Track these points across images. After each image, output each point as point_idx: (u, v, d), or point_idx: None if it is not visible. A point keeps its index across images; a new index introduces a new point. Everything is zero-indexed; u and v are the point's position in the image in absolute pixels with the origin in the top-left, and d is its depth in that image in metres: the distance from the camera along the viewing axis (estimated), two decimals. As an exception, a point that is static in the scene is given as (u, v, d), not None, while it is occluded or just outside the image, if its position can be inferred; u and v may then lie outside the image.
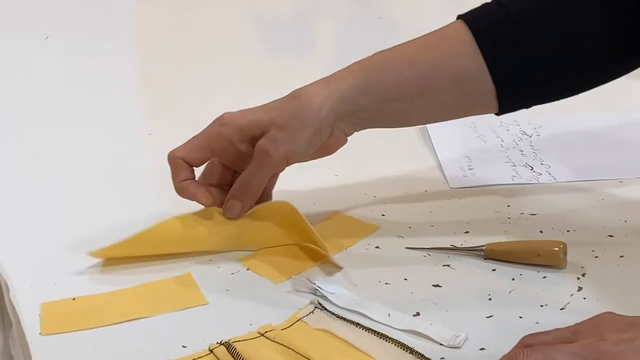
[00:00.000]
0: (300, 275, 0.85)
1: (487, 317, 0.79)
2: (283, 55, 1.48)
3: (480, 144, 1.11)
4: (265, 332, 0.77)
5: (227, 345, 0.75)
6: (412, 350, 0.75)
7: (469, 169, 1.05)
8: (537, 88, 0.90)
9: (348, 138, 0.91)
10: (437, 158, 1.08)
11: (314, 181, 1.02)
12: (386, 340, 0.76)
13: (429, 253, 0.89)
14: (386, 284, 0.85)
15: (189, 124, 1.19)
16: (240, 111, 0.90)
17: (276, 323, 0.79)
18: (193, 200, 0.90)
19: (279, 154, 0.87)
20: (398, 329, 0.78)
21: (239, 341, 0.76)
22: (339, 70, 0.90)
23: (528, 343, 0.70)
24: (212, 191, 0.91)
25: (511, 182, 1.03)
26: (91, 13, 1.60)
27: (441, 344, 0.76)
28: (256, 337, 0.77)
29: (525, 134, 1.13)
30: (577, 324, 0.71)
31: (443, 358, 0.74)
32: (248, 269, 0.88)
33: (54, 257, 0.90)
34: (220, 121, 0.90)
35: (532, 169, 1.05)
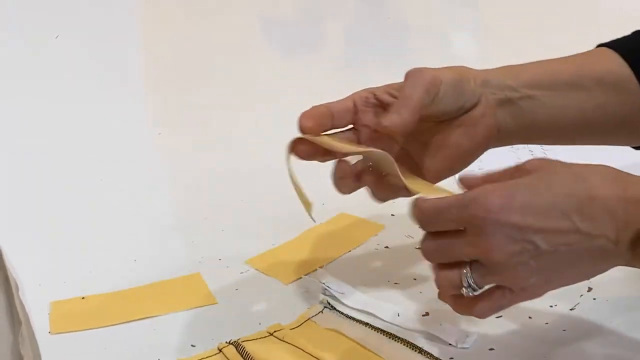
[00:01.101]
0: (309, 275, 0.85)
1: (497, 317, 0.78)
2: (292, 56, 1.48)
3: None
4: (274, 331, 0.77)
5: (236, 345, 0.75)
6: (421, 350, 0.75)
7: (479, 169, 1.05)
8: None
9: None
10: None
11: (324, 180, 1.02)
12: (395, 340, 0.76)
13: (439, 253, 0.88)
14: (395, 283, 0.85)
15: (198, 123, 1.20)
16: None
17: (285, 322, 0.79)
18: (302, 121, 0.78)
19: (431, 71, 0.78)
20: (407, 329, 0.78)
21: (248, 340, 0.76)
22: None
23: (417, 214, 0.70)
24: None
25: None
26: (101, 12, 1.60)
27: (450, 344, 0.76)
28: (265, 337, 0.77)
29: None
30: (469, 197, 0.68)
31: (452, 358, 0.74)
32: (257, 269, 0.88)
33: (63, 256, 0.91)
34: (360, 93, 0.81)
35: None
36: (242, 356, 0.74)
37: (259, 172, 1.05)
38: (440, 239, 0.70)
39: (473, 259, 0.69)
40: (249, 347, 0.75)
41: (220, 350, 0.75)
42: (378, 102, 0.81)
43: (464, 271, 0.69)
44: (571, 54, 0.85)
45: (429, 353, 0.74)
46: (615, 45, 0.85)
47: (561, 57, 0.86)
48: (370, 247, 0.91)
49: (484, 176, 0.72)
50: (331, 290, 0.82)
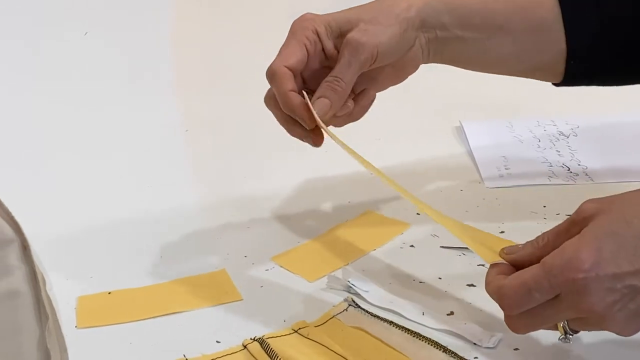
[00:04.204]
0: (334, 273, 0.85)
1: (522, 318, 0.78)
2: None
3: (517, 144, 1.10)
4: (299, 328, 0.77)
5: (261, 341, 0.76)
6: (445, 349, 0.75)
7: (505, 168, 1.05)
8: (609, 57, 0.88)
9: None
10: (473, 157, 1.07)
11: (349, 179, 1.02)
12: (419, 339, 0.76)
13: (464, 252, 0.88)
14: (420, 282, 0.85)
15: (225, 121, 1.20)
16: (321, 14, 0.88)
17: (310, 320, 0.79)
18: (296, 113, 0.84)
19: (370, 44, 0.83)
20: (432, 328, 0.78)
21: (272, 337, 0.76)
22: None
23: (504, 302, 0.69)
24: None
25: (547, 182, 1.02)
26: (129, 9, 1.60)
27: (475, 344, 0.75)
28: (290, 334, 0.77)
29: (563, 135, 1.12)
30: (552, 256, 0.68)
31: (476, 358, 0.74)
32: (282, 266, 0.88)
33: (90, 251, 0.91)
34: (302, 18, 0.87)
35: (568, 170, 1.04)
36: (266, 353, 0.74)
37: (285, 170, 1.06)
38: (532, 314, 0.68)
39: (572, 318, 0.68)
40: (274, 343, 0.75)
41: (245, 347, 0.76)
42: (323, 50, 0.86)
43: (562, 324, 0.69)
44: None
45: (453, 352, 0.74)
46: None
47: None
48: (395, 245, 0.91)
49: (536, 245, 0.71)
50: (356, 288, 0.82)
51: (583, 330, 0.70)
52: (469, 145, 1.10)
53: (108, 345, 0.78)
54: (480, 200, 0.99)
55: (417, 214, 0.95)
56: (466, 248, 0.88)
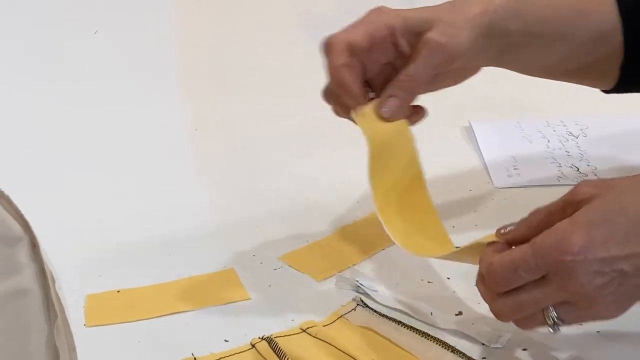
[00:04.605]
0: (342, 273, 0.85)
1: (530, 318, 0.78)
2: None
3: (526, 144, 1.10)
4: (307, 328, 0.77)
5: (269, 340, 0.76)
6: (453, 349, 0.74)
7: (514, 169, 1.05)
8: None
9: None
10: (482, 157, 1.07)
11: (357, 179, 1.02)
12: (428, 339, 0.76)
13: (473, 252, 0.88)
14: (429, 282, 0.85)
15: (234, 120, 1.20)
16: (398, 9, 0.85)
17: (318, 319, 0.79)
18: (345, 90, 0.82)
19: (450, 45, 0.81)
20: (440, 328, 0.78)
21: (280, 336, 0.76)
22: None
23: (490, 278, 0.69)
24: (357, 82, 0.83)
25: (557, 183, 1.02)
26: (138, 8, 1.61)
27: (483, 344, 0.75)
28: (298, 333, 0.77)
29: (572, 135, 1.12)
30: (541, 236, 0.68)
31: (485, 358, 0.74)
32: (290, 266, 0.88)
33: (99, 250, 0.91)
34: (379, 9, 0.84)
35: (578, 170, 1.04)
36: (274, 352, 0.74)
37: (293, 170, 1.06)
38: (518, 294, 0.68)
39: (559, 301, 0.68)
40: (282, 343, 0.75)
41: (253, 346, 0.76)
42: (395, 45, 0.83)
43: (549, 312, 0.68)
44: None
45: (461, 352, 0.74)
46: None
47: None
48: (404, 245, 0.91)
49: (530, 224, 0.71)
50: (364, 288, 0.82)
51: (572, 318, 0.69)
52: (478, 146, 1.10)
53: (117, 343, 0.78)
54: (489, 200, 0.98)
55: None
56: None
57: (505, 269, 0.68)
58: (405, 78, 0.82)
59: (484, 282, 0.71)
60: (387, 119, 0.82)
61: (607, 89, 0.90)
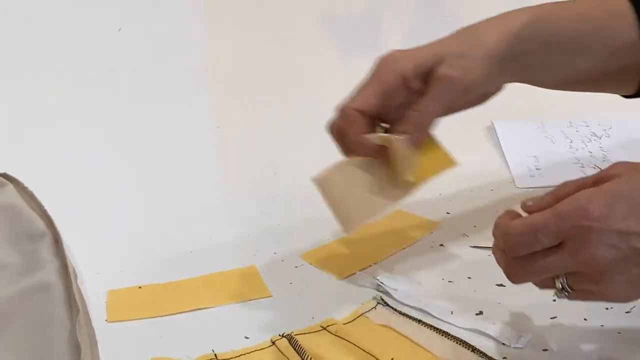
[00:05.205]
0: (363, 271, 0.85)
1: (551, 319, 0.78)
2: (352, 53, 1.48)
3: (549, 144, 1.10)
4: (328, 325, 0.78)
5: (289, 338, 0.76)
6: (474, 349, 0.74)
7: (537, 169, 1.04)
8: None
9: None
10: (504, 157, 1.07)
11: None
12: (448, 338, 0.76)
13: (494, 252, 0.88)
14: (449, 281, 0.84)
15: (256, 118, 1.21)
16: (409, 49, 0.84)
17: (338, 317, 0.79)
18: (371, 155, 0.82)
19: (462, 81, 0.81)
20: (460, 327, 0.77)
21: (301, 334, 0.76)
22: (508, 11, 0.86)
23: (508, 241, 0.69)
24: (360, 118, 0.82)
25: (579, 183, 1.01)
26: (162, 6, 1.61)
27: (504, 344, 0.75)
28: (318, 331, 0.77)
29: (595, 135, 1.11)
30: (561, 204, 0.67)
31: (505, 358, 0.74)
32: (311, 264, 0.88)
33: (121, 246, 0.92)
34: (390, 58, 0.83)
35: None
36: (295, 349, 0.75)
37: (315, 168, 1.06)
38: (532, 259, 0.68)
39: (570, 271, 0.67)
40: (302, 340, 0.75)
41: (273, 343, 0.76)
42: (408, 88, 0.82)
43: (559, 278, 0.68)
44: None
45: (481, 351, 0.74)
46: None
47: (582, 7, 0.87)
48: (425, 244, 0.91)
49: (557, 196, 0.70)
50: (385, 287, 0.82)
51: (581, 288, 0.68)
52: (500, 146, 1.09)
53: (137, 339, 0.78)
54: (511, 200, 0.98)
55: (447, 213, 0.95)
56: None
57: (524, 231, 0.68)
58: (416, 114, 0.82)
59: (499, 245, 0.70)
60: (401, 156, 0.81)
61: (628, 94, 0.90)
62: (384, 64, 0.83)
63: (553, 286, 0.69)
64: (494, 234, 0.71)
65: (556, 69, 0.87)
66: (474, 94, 0.85)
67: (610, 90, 0.92)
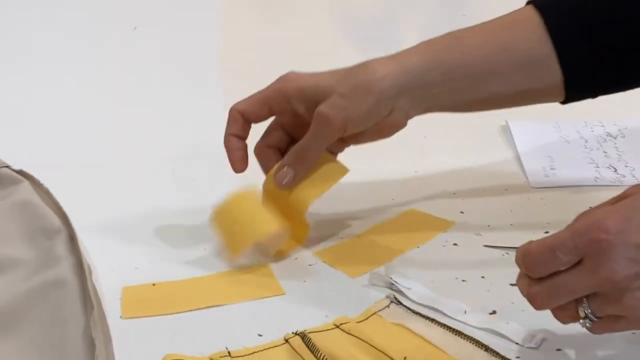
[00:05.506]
0: (377, 270, 0.85)
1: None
2: (370, 53, 1.49)
3: (563, 144, 1.10)
4: (341, 324, 0.78)
5: (303, 336, 0.76)
6: (487, 348, 0.74)
7: (551, 168, 1.04)
8: (606, 73, 0.88)
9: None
10: (519, 157, 1.07)
11: (393, 176, 1.03)
12: (461, 337, 0.76)
13: (508, 252, 0.88)
14: (463, 281, 0.84)
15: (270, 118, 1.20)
16: (306, 73, 0.89)
17: (352, 316, 0.79)
18: (228, 155, 0.91)
19: (338, 121, 0.85)
20: (474, 327, 0.77)
21: (314, 332, 0.76)
22: (407, 48, 0.88)
23: (527, 260, 0.68)
24: (270, 154, 0.91)
25: (594, 183, 1.01)
26: (178, 5, 1.61)
27: (517, 343, 0.75)
28: (331, 329, 0.77)
29: (610, 136, 1.11)
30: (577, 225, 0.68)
31: (518, 357, 0.74)
32: (325, 262, 0.88)
33: (136, 243, 0.92)
34: (283, 78, 0.89)
35: (615, 171, 1.03)
36: (308, 347, 0.75)
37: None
38: (553, 279, 0.68)
39: (592, 291, 0.67)
40: (315, 338, 0.76)
41: (286, 341, 0.76)
42: (291, 107, 0.88)
43: (582, 304, 0.68)
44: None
45: (495, 351, 0.74)
46: (541, 4, 0.87)
47: (489, 28, 0.89)
48: (438, 243, 0.91)
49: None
50: (398, 285, 0.82)
51: (604, 313, 0.67)
52: (515, 145, 1.09)
53: (151, 336, 0.78)
54: (525, 200, 0.98)
55: (461, 212, 0.95)
56: (510, 248, 0.88)
57: (542, 250, 0.67)
58: (296, 150, 0.87)
59: (521, 271, 0.70)
60: (282, 187, 0.88)
61: (561, 101, 0.91)
62: (277, 80, 0.89)
63: (577, 317, 0.69)
64: (516, 263, 0.71)
65: (465, 95, 0.88)
66: (361, 130, 0.87)
67: (540, 101, 0.92)
